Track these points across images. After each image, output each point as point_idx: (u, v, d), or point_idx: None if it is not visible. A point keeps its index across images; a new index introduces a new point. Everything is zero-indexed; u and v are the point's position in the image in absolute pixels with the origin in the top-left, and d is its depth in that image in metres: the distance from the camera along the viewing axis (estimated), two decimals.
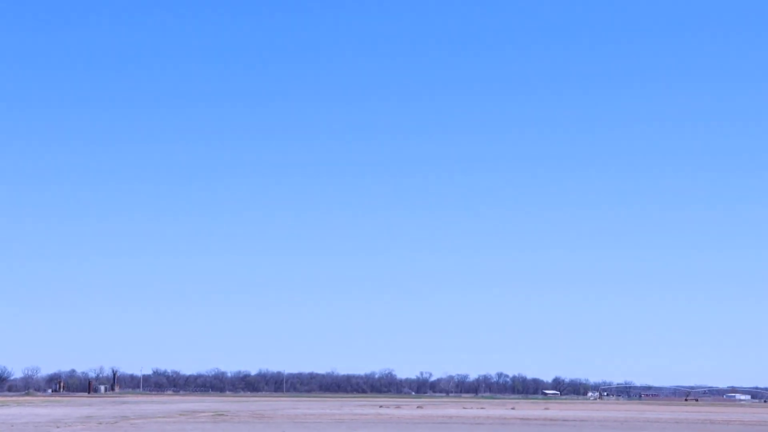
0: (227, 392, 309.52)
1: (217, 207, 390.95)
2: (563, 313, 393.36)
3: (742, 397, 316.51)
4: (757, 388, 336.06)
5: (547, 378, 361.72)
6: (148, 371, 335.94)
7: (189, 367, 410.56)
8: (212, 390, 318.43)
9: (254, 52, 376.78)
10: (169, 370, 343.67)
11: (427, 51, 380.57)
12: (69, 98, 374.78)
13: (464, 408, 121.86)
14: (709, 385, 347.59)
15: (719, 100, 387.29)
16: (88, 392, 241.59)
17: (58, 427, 55.97)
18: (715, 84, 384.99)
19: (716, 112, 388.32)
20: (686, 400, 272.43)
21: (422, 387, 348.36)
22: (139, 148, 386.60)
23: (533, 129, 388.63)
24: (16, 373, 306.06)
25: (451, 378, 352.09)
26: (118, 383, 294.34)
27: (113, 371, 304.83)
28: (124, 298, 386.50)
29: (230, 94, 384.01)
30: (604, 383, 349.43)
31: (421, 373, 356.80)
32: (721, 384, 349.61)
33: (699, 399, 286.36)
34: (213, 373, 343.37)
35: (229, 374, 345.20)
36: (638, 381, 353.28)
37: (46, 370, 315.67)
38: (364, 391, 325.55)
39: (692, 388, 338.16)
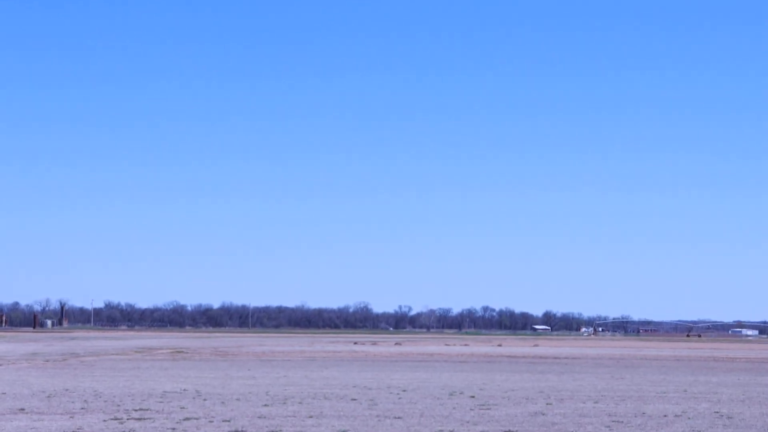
0: (187, 327, 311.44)
1: (189, 153, 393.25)
2: (555, 243, 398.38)
3: (750, 332, 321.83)
4: (765, 322, 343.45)
5: (537, 312, 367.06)
6: (100, 304, 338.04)
7: (145, 299, 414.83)
8: (170, 325, 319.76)
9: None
10: (122, 303, 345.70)
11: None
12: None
13: (446, 345, 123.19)
14: (713, 319, 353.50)
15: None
16: (33, 327, 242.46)
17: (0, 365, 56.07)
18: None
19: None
20: (688, 335, 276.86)
21: (401, 322, 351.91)
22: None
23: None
24: None
25: (432, 312, 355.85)
26: (67, 317, 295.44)
27: (61, 304, 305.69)
28: (73, 224, 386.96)
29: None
30: (599, 318, 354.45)
31: (400, 307, 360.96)
32: (727, 318, 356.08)
33: (702, 335, 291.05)
34: (171, 306, 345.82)
35: (189, 308, 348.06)
36: (636, 315, 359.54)
37: None
38: (337, 327, 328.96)
39: (695, 322, 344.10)
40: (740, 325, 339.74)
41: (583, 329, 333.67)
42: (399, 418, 27.96)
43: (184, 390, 37.31)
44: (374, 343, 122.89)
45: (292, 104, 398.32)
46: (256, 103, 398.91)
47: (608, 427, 26.59)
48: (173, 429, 25.17)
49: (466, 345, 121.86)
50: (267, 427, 25.70)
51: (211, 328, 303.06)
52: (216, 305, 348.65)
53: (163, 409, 29.67)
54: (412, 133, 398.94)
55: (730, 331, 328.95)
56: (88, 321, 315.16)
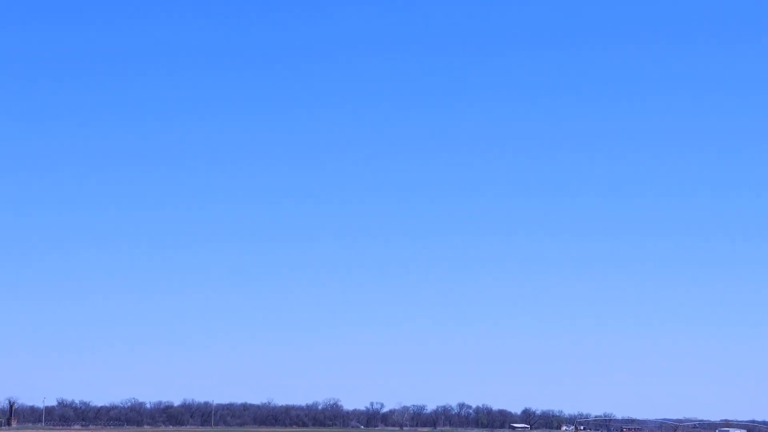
0: (146, 426, 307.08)
1: (145, 245, 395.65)
2: (534, 337, 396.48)
3: (737, 431, 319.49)
4: (753, 421, 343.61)
5: (516, 409, 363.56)
6: (52, 402, 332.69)
7: (101, 396, 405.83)
8: (128, 424, 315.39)
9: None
10: (76, 401, 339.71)
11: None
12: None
13: None
14: (700, 417, 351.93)
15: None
16: None
17: None
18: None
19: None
20: None
21: (372, 420, 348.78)
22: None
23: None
24: None
25: (405, 409, 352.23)
26: (16, 417, 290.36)
27: (10, 402, 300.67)
28: (22, 315, 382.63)
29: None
30: (581, 415, 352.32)
31: (372, 404, 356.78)
32: (713, 417, 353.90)
33: None
34: (129, 404, 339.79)
35: (148, 405, 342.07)
36: (619, 413, 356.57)
37: None
38: (305, 425, 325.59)
39: (680, 421, 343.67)
40: (727, 424, 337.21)
41: (564, 427, 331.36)
42: None
43: None
44: None
45: (254, 195, 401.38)
46: (216, 192, 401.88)
47: None
48: None
49: None
50: None
51: (171, 427, 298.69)
52: (177, 402, 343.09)
53: None
54: (373, 224, 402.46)
55: (717, 431, 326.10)
56: (40, 420, 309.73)
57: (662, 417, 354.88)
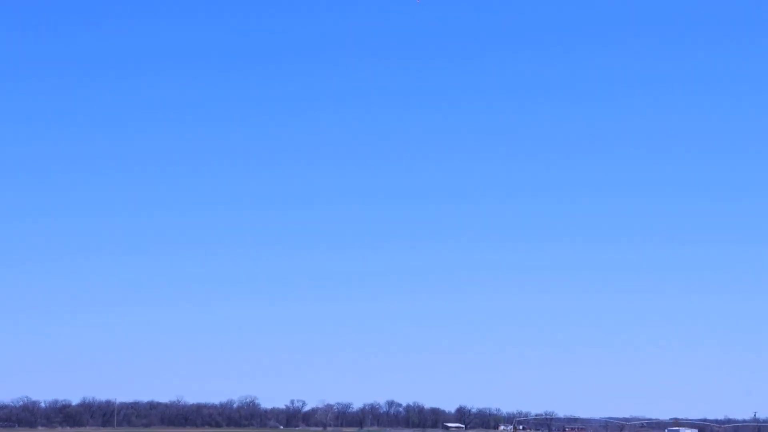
0: (40, 428, 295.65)
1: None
2: (470, 329, 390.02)
3: (687, 431, 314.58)
4: (705, 420, 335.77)
5: (450, 408, 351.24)
6: None
7: None
8: (20, 425, 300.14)
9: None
10: None
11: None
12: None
13: None
14: (647, 416, 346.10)
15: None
16: None
17: None
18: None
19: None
20: None
21: (293, 419, 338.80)
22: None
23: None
24: None
25: (329, 408, 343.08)
26: None
27: None
28: None
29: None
30: (520, 414, 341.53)
31: (292, 402, 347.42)
32: (662, 415, 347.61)
33: None
34: (21, 402, 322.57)
35: (42, 404, 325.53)
36: (561, 411, 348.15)
37: None
38: (218, 425, 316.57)
39: (627, 419, 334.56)
40: (677, 423, 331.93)
41: (502, 427, 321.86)
42: None
43: None
44: None
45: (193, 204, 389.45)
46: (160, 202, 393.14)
47: None
48: None
49: None
50: None
51: (69, 428, 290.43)
52: (75, 401, 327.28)
53: None
54: (302, 229, 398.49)
55: (666, 430, 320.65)
56: None
57: (608, 416, 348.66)
